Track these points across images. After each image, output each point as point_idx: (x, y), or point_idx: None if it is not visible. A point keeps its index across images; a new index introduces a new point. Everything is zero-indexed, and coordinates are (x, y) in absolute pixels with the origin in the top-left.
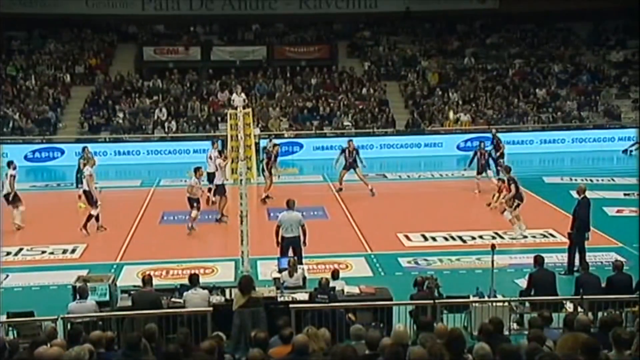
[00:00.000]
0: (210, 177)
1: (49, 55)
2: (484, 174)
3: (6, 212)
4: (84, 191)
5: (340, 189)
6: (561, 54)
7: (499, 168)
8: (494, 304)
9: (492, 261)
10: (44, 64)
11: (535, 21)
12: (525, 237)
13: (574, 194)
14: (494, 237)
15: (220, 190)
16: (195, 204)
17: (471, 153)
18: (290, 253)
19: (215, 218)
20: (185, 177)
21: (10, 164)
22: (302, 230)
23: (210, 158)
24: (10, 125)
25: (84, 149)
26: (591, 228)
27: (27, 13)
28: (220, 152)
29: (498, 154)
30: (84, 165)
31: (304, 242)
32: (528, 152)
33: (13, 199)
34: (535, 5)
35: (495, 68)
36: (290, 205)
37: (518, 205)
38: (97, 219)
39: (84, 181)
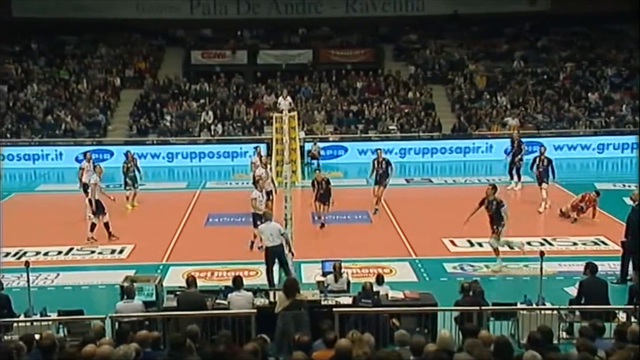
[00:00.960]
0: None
1: (100, 59)
2: (543, 184)
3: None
4: (89, 200)
5: (376, 210)
6: (615, 56)
7: (513, 172)
8: (543, 312)
9: (541, 268)
10: (95, 67)
11: (588, 23)
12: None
13: (628, 200)
14: (542, 244)
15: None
16: (259, 222)
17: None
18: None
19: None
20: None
21: (85, 154)
22: (284, 239)
23: (254, 164)
24: (63, 127)
25: (126, 153)
26: None
27: (80, 18)
28: (261, 158)
29: (517, 158)
30: (127, 169)
31: (290, 251)
32: (579, 157)
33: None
34: (588, 7)
35: (545, 71)
36: (267, 217)
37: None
38: (106, 226)
39: (89, 190)
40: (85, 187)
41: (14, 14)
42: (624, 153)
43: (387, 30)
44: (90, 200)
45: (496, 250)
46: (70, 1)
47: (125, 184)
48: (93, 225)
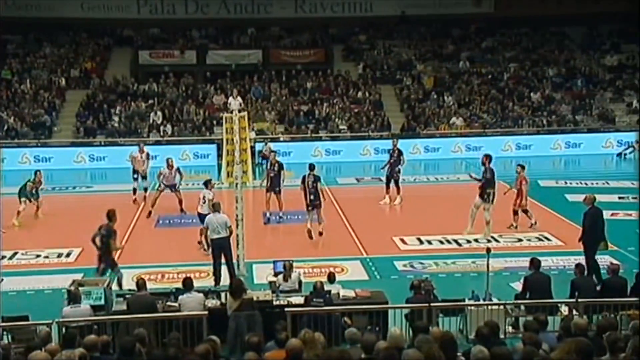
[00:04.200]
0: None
1: (44, 59)
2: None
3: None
4: None
5: (268, 219)
6: (556, 57)
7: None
8: (490, 307)
9: (488, 264)
10: (39, 67)
11: (531, 25)
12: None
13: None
14: (489, 241)
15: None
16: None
17: None
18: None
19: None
20: (181, 182)
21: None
22: (229, 232)
23: (134, 158)
24: (5, 128)
25: (36, 172)
26: (606, 236)
27: (23, 17)
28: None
29: (396, 169)
30: (32, 188)
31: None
32: (523, 156)
33: None
34: (531, 10)
35: (490, 72)
36: (216, 207)
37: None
38: None
39: None
40: None
41: None
42: (564, 151)
43: (337, 31)
44: None
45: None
46: None
47: (25, 199)
48: None
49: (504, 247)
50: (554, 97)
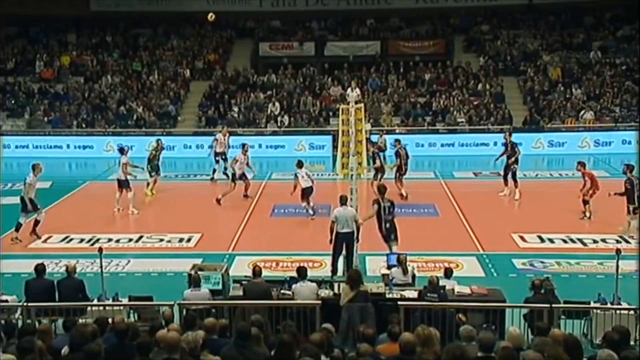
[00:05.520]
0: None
1: (171, 51)
2: None
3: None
4: (25, 199)
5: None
6: None
7: (508, 172)
8: (618, 311)
9: (617, 266)
10: (166, 59)
11: None
12: None
13: None
14: (618, 241)
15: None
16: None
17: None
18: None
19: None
20: (295, 171)
21: (122, 150)
22: (356, 226)
23: (217, 140)
24: (135, 118)
25: (158, 140)
26: None
27: (153, 11)
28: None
29: (511, 161)
30: (154, 156)
31: (357, 238)
32: None
33: (122, 185)
34: None
35: (624, 62)
36: (343, 201)
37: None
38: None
39: (24, 190)
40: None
41: (92, 8)
42: None
43: (458, 21)
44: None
45: None
46: None
47: (152, 169)
48: (37, 223)
49: (636, 248)
50: None
